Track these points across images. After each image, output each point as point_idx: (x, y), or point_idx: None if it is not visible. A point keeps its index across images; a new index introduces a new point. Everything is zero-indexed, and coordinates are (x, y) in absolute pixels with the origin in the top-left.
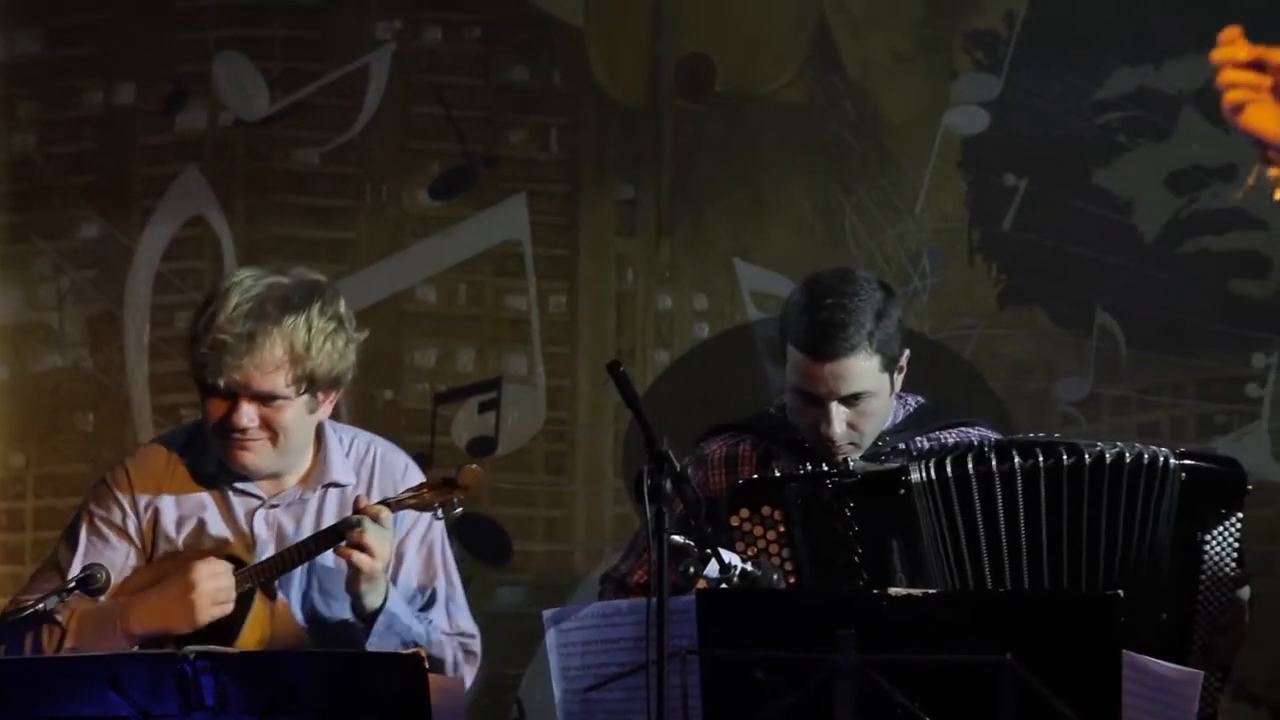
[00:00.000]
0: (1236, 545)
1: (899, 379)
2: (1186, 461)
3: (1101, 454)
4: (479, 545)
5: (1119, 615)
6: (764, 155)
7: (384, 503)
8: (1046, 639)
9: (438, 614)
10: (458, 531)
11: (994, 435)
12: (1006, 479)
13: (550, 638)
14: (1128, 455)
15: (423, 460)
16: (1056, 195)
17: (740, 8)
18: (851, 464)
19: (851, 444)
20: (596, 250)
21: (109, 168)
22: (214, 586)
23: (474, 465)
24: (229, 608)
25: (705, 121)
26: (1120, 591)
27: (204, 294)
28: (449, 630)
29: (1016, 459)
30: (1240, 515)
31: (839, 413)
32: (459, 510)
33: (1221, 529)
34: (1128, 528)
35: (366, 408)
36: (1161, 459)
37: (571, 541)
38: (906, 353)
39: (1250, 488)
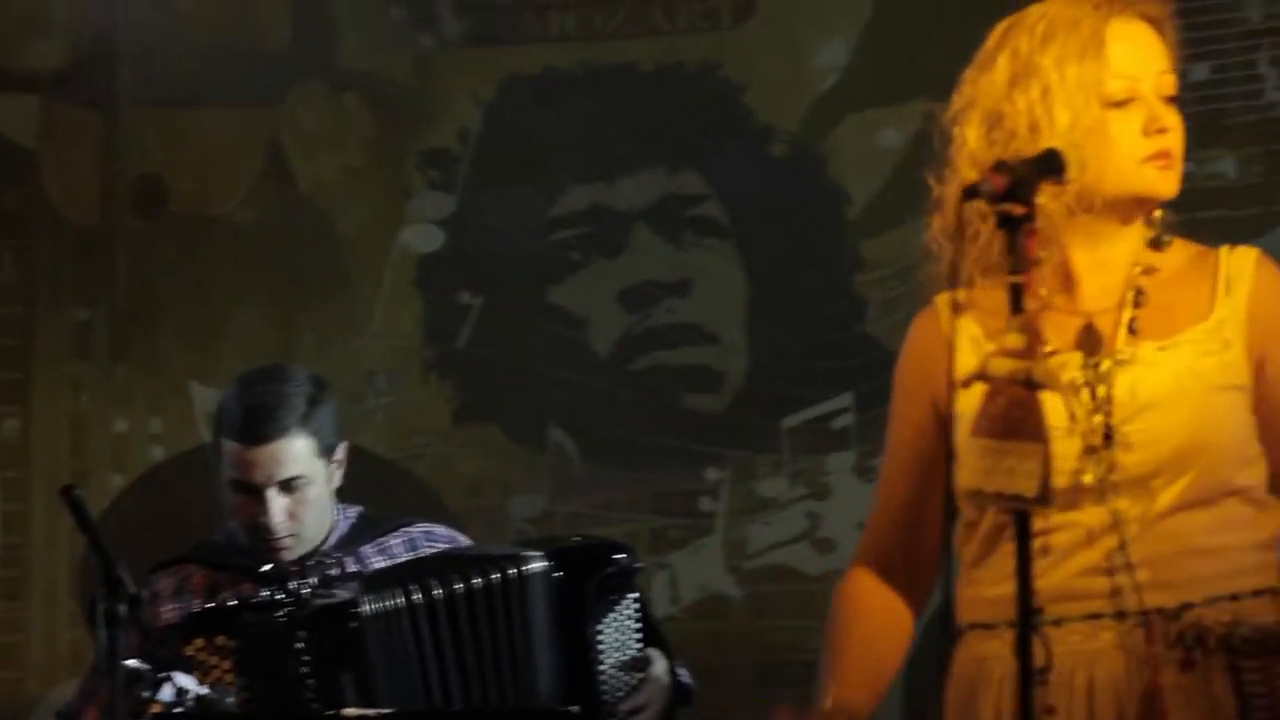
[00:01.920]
0: (636, 626)
1: (338, 474)
2: (560, 560)
3: (499, 568)
4: None
5: None
6: (218, 275)
7: None
8: None
9: None
10: None
11: (436, 528)
12: (447, 603)
13: None
14: (504, 572)
15: None
16: (512, 313)
17: (192, 127)
18: (303, 593)
19: (292, 535)
20: (50, 373)
21: None
22: None
23: None
24: None
25: (159, 242)
26: (575, 707)
27: None
28: None
29: (457, 585)
30: (635, 595)
31: (277, 500)
32: None
33: (614, 615)
34: (537, 635)
35: None
36: (523, 569)
37: (26, 668)
38: (344, 445)
39: (640, 566)
